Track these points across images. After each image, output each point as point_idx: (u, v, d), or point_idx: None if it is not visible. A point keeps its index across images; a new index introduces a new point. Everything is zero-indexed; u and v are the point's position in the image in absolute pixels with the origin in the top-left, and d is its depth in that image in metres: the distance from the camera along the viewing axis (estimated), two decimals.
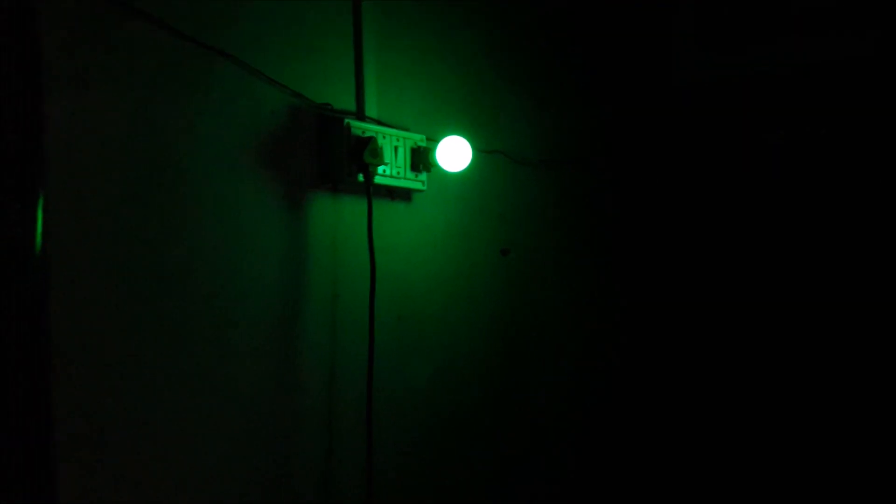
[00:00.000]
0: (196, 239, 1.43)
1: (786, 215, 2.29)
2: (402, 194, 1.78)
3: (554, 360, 2.14)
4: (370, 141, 1.62)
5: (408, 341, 1.78)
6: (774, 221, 2.29)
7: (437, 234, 1.87)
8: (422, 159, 1.73)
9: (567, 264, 2.19)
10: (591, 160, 2.30)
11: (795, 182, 2.26)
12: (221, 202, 1.48)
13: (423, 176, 1.76)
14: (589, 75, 2.34)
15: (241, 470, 1.47)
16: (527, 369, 2.07)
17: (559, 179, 2.18)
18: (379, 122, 1.71)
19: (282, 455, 1.54)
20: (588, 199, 2.28)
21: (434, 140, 1.77)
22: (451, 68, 1.92)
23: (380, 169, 1.66)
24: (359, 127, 1.63)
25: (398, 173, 1.71)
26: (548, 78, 2.20)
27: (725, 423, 2.33)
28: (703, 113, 2.40)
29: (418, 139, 1.74)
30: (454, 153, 1.72)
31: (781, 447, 2.25)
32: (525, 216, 2.09)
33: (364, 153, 1.61)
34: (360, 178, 1.63)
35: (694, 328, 2.38)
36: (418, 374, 1.81)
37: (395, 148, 1.70)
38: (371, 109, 1.72)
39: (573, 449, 2.18)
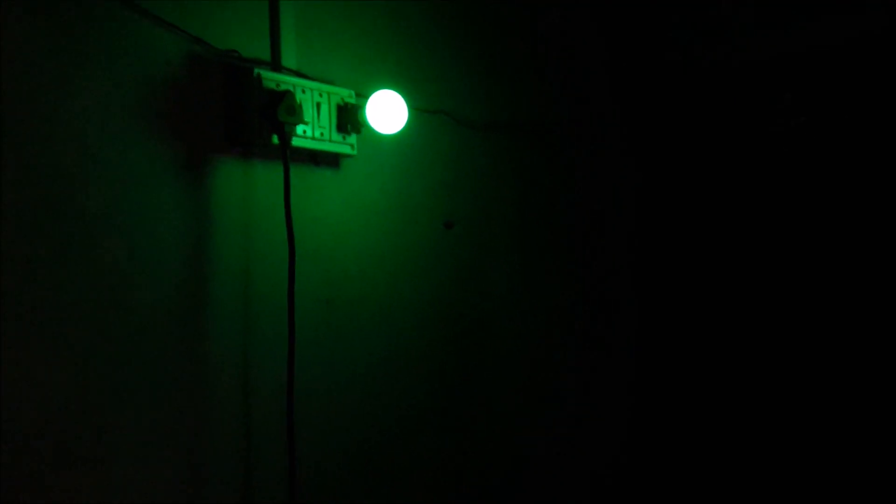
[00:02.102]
0: (75, 216, 1.18)
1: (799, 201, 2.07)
2: (328, 160, 1.54)
3: (508, 347, 1.92)
4: (286, 95, 1.37)
5: (338, 328, 1.55)
6: (784, 207, 2.08)
7: (371, 206, 1.63)
8: (350, 118, 1.49)
9: (520, 241, 1.97)
10: (552, 127, 2.07)
11: (814, 168, 2.04)
12: (105, 172, 1.23)
13: (353, 138, 1.52)
14: (549, 41, 2.11)
15: (141, 480, 1.24)
16: (477, 359, 1.85)
17: (511, 147, 1.95)
18: (298, 74, 1.46)
19: (188, 462, 1.31)
20: (546, 170, 2.06)
21: (364, 96, 1.52)
22: (386, 13, 1.67)
23: (299, 129, 1.41)
24: (272, 79, 1.38)
25: (322, 135, 1.46)
26: (501, 37, 1.96)
27: (701, 416, 2.15)
28: (695, 91, 2.18)
29: (345, 95, 1.50)
30: (387, 111, 1.48)
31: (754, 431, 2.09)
32: (471, 186, 1.86)
33: (279, 110, 1.36)
34: (275, 140, 1.38)
35: (668, 316, 2.19)
36: (352, 365, 1.58)
37: (318, 105, 1.45)
38: (289, 59, 1.47)
39: (532, 448, 1.98)
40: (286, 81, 1.40)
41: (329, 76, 1.52)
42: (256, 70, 1.36)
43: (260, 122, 1.37)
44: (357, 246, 1.60)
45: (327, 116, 1.47)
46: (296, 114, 1.38)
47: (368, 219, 1.62)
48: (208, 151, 1.37)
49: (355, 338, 1.59)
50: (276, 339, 1.42)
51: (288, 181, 1.38)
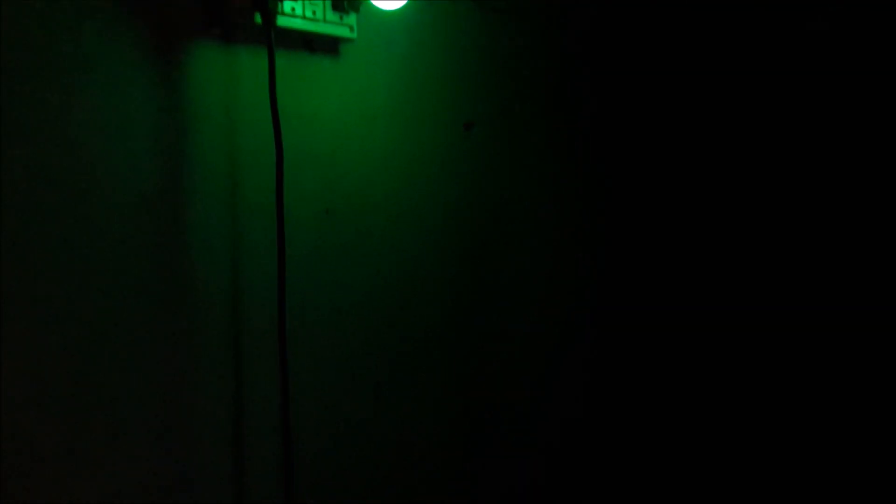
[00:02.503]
0: (26, 118, 0.99)
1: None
2: (325, 45, 1.32)
3: (529, 271, 1.72)
4: None
5: (340, 242, 1.36)
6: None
7: (376, 101, 1.41)
8: None
9: (551, 144, 1.75)
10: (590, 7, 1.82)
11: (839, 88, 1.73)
12: (60, 63, 1.03)
13: (352, 18, 1.29)
14: None
15: (119, 428, 1.09)
16: (495, 282, 1.65)
17: (545, 31, 1.71)
18: None
19: (170, 409, 1.15)
20: (584, 58, 1.81)
21: None
22: None
23: (286, 6, 1.19)
24: None
25: (314, 13, 1.24)
26: None
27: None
28: None
29: None
30: None
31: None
32: (495, 78, 1.63)
33: None
34: (258, 18, 1.16)
35: (700, 249, 1.95)
36: (356, 286, 1.39)
37: None
38: None
39: (558, 397, 1.80)
40: None
41: None
42: None
43: None
44: (360, 147, 1.39)
45: None
46: None
47: (374, 116, 1.41)
48: (183, 34, 1.16)
49: (359, 253, 1.40)
50: (270, 253, 1.24)
51: (273, 69, 1.17)
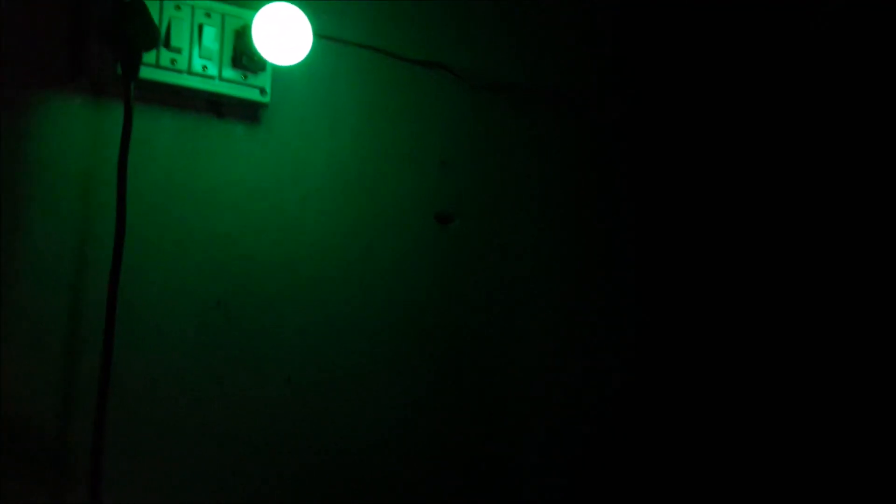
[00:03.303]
0: None
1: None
2: (237, 110, 1.13)
3: (540, 410, 1.37)
4: (137, 5, 0.98)
5: (231, 340, 1.12)
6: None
7: (309, 179, 1.19)
8: (245, 47, 1.06)
9: (553, 248, 1.42)
10: (600, 100, 1.51)
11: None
12: None
13: (263, 79, 1.09)
14: None
15: None
16: (493, 427, 1.32)
17: (540, 117, 1.42)
18: None
19: None
20: (592, 145, 1.49)
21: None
22: None
23: (163, 58, 1.02)
24: None
25: (206, 69, 1.05)
26: None
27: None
28: None
29: (248, 17, 1.07)
30: (279, 30, 1.03)
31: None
32: (483, 166, 1.35)
33: (126, 26, 0.98)
34: (119, 69, 0.99)
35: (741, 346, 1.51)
36: (252, 399, 1.13)
37: (200, 27, 1.05)
38: None
39: None
40: None
41: None
42: None
43: (99, 43, 0.99)
44: (282, 233, 1.16)
45: (217, 45, 1.05)
46: (153, 33, 0.99)
47: (304, 195, 1.18)
48: (45, 82, 1.01)
49: (266, 358, 1.15)
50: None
51: (128, 128, 0.99)
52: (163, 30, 1.02)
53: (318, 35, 1.11)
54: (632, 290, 1.47)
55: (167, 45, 1.02)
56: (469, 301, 1.32)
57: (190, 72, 1.04)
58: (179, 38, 1.02)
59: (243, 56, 1.05)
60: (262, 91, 1.09)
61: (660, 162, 1.51)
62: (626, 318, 1.46)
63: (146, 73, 1.00)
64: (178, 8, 1.03)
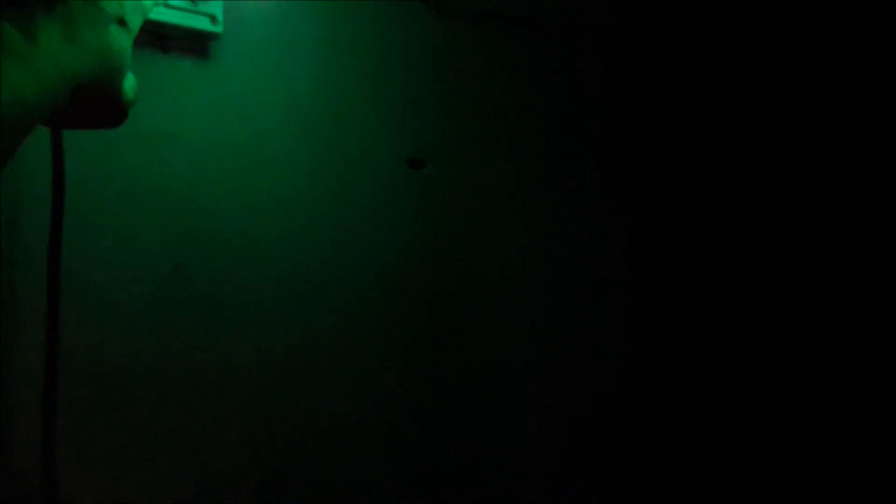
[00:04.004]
0: None
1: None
2: (184, 42, 0.97)
3: (523, 369, 1.28)
4: None
5: (189, 310, 0.99)
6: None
7: (269, 120, 1.05)
8: None
9: (535, 193, 1.32)
10: (591, 29, 1.40)
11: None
12: None
13: (214, 6, 0.94)
14: None
15: None
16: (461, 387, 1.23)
17: (517, 48, 1.30)
18: None
19: None
20: (578, 78, 1.39)
21: None
22: None
23: None
24: None
25: None
26: None
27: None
28: None
29: None
30: None
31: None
32: (457, 102, 1.23)
33: None
34: None
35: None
36: (214, 378, 1.01)
37: None
38: None
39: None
40: None
41: None
42: None
43: None
44: (239, 183, 1.03)
45: None
46: None
47: (263, 142, 1.04)
48: None
49: (231, 327, 1.02)
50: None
51: None
52: None
53: None
54: (625, 238, 1.39)
55: None
56: (446, 252, 1.21)
57: None
58: None
59: None
60: (214, 19, 0.95)
61: (657, 98, 1.42)
62: (618, 271, 1.38)
63: None
64: None
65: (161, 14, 0.90)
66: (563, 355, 1.31)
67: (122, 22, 0.73)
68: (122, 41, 0.72)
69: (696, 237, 1.45)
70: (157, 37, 0.95)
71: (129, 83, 0.72)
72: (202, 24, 0.93)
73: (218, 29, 0.95)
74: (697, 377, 1.44)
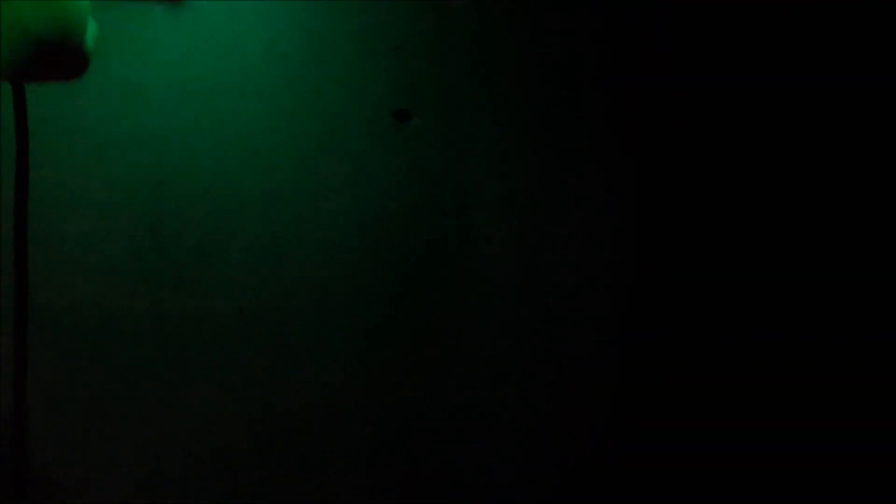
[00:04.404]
0: None
1: None
2: None
3: (504, 337, 1.25)
4: None
5: (167, 271, 0.95)
6: None
7: (246, 68, 1.00)
8: None
9: (527, 146, 1.28)
10: None
11: None
12: None
13: None
14: None
15: None
16: (441, 355, 1.20)
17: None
18: None
19: None
20: (568, 22, 1.33)
21: None
22: None
23: None
24: None
25: None
26: None
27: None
28: None
29: None
30: None
31: None
32: (444, 50, 1.18)
33: None
34: None
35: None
36: (204, 350, 0.97)
37: None
38: None
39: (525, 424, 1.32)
40: None
41: None
42: None
43: None
44: (214, 135, 0.98)
45: None
46: None
47: (242, 90, 0.99)
48: None
49: (212, 290, 0.98)
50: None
51: None
52: None
53: None
54: (618, 194, 1.35)
55: None
56: (431, 210, 1.17)
57: None
58: None
59: None
60: None
61: (657, 44, 1.37)
62: (603, 230, 1.35)
63: None
64: None
65: None
66: (544, 315, 1.29)
67: None
68: None
69: (680, 215, 1.42)
70: None
71: (91, 32, 0.67)
72: None
73: None
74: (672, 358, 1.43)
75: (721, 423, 1.39)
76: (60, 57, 0.67)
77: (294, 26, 1.02)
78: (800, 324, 1.36)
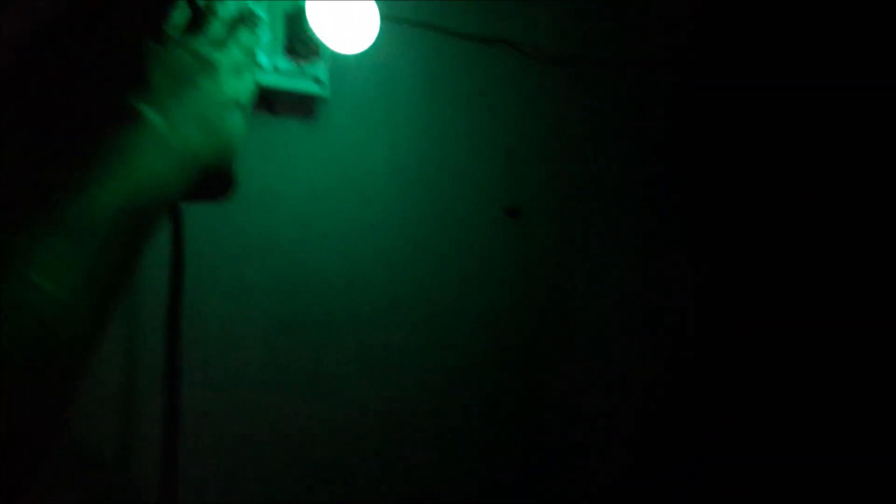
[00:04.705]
0: None
1: None
2: (292, 104, 1.00)
3: (609, 430, 1.27)
4: None
5: (301, 367, 1.01)
6: None
7: (371, 178, 1.07)
8: (301, 33, 0.93)
9: (635, 241, 1.31)
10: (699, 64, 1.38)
11: None
12: None
13: (319, 69, 0.97)
14: None
15: None
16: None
17: (612, 93, 1.29)
18: None
19: None
20: (675, 124, 1.36)
21: None
22: None
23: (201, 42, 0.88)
24: None
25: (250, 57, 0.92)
26: None
27: None
28: None
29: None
30: (343, 14, 0.90)
31: None
32: (554, 151, 1.23)
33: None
34: None
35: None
36: (326, 429, 1.03)
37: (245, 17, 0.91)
38: None
39: None
40: None
41: None
42: None
43: None
44: (343, 240, 1.05)
45: (268, 31, 0.93)
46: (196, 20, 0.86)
47: (367, 197, 1.06)
48: None
49: (338, 385, 1.03)
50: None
51: None
52: None
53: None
54: (719, 287, 1.35)
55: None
56: (542, 299, 1.20)
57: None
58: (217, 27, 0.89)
59: (298, 43, 0.93)
60: (319, 82, 0.97)
61: (763, 145, 1.39)
62: (716, 321, 1.35)
63: None
64: None
65: (269, 79, 0.93)
66: (652, 402, 1.28)
67: (239, 105, 0.76)
68: (240, 121, 0.75)
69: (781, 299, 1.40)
70: (266, 100, 0.98)
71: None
72: (308, 87, 0.96)
73: (323, 91, 0.97)
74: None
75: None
76: (220, 180, 0.75)
77: (415, 136, 1.09)
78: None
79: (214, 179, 0.74)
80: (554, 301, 1.21)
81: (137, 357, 0.89)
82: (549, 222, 1.21)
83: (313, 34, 0.90)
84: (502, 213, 1.17)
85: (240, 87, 0.78)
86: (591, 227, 1.24)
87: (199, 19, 0.80)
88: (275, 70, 0.93)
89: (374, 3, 0.89)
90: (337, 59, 0.98)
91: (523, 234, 1.19)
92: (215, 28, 0.80)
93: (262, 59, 0.91)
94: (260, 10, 0.87)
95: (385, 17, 0.98)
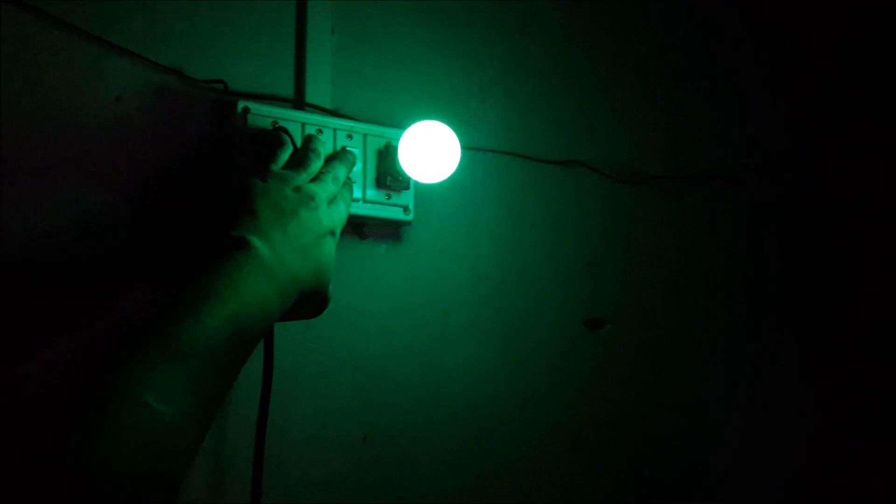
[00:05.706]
0: None
1: None
2: (380, 229, 1.08)
3: None
4: (278, 132, 0.95)
5: (378, 476, 1.05)
6: None
7: (451, 295, 1.13)
8: (390, 168, 1.02)
9: (716, 349, 1.31)
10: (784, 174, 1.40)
11: None
12: None
13: (405, 197, 1.05)
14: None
15: None
16: None
17: (688, 206, 1.32)
18: (312, 107, 1.04)
19: None
20: (748, 232, 1.38)
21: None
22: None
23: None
24: (265, 114, 0.97)
25: (345, 189, 1.01)
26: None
27: None
28: None
29: (392, 137, 1.04)
30: (427, 149, 0.98)
31: None
32: (631, 264, 1.26)
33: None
34: None
35: None
36: None
37: (343, 149, 1.01)
38: (318, 94, 1.06)
39: None
40: (288, 118, 0.98)
41: (370, 113, 1.08)
42: (242, 103, 0.96)
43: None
44: (428, 352, 1.10)
45: (360, 166, 1.02)
46: (305, 164, 0.95)
47: (447, 311, 1.12)
48: None
49: (412, 498, 1.06)
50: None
51: None
52: None
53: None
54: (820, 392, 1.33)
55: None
56: (624, 412, 1.21)
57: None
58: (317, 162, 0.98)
59: (387, 176, 1.01)
60: (406, 209, 1.05)
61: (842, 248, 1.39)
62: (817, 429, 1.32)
63: None
64: (319, 132, 0.99)
65: (360, 209, 1.01)
66: None
67: (333, 233, 0.84)
68: (333, 249, 0.83)
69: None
70: (356, 226, 1.06)
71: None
72: (395, 214, 1.04)
73: (409, 217, 1.05)
74: None
75: None
76: (315, 302, 0.82)
77: (495, 253, 1.15)
78: None
79: (310, 301, 0.81)
80: (636, 415, 1.22)
81: (223, 469, 0.95)
82: (630, 334, 1.23)
83: (401, 169, 0.98)
84: (582, 325, 1.20)
85: (335, 217, 0.86)
86: (674, 339, 1.25)
87: (300, 157, 0.90)
88: (365, 201, 1.02)
89: (455, 137, 0.96)
90: (422, 187, 1.06)
91: (606, 346, 1.21)
92: (314, 164, 0.90)
93: (356, 191, 1.00)
94: (354, 148, 0.97)
95: (466, 148, 1.06)
